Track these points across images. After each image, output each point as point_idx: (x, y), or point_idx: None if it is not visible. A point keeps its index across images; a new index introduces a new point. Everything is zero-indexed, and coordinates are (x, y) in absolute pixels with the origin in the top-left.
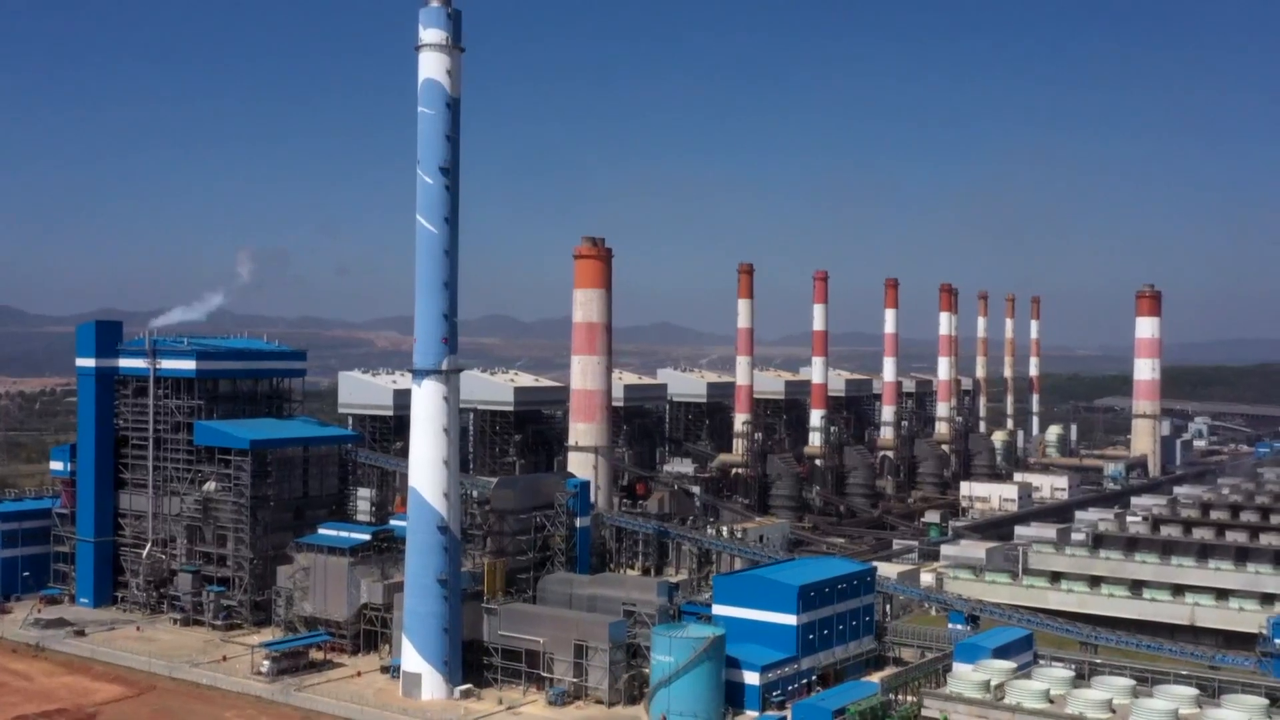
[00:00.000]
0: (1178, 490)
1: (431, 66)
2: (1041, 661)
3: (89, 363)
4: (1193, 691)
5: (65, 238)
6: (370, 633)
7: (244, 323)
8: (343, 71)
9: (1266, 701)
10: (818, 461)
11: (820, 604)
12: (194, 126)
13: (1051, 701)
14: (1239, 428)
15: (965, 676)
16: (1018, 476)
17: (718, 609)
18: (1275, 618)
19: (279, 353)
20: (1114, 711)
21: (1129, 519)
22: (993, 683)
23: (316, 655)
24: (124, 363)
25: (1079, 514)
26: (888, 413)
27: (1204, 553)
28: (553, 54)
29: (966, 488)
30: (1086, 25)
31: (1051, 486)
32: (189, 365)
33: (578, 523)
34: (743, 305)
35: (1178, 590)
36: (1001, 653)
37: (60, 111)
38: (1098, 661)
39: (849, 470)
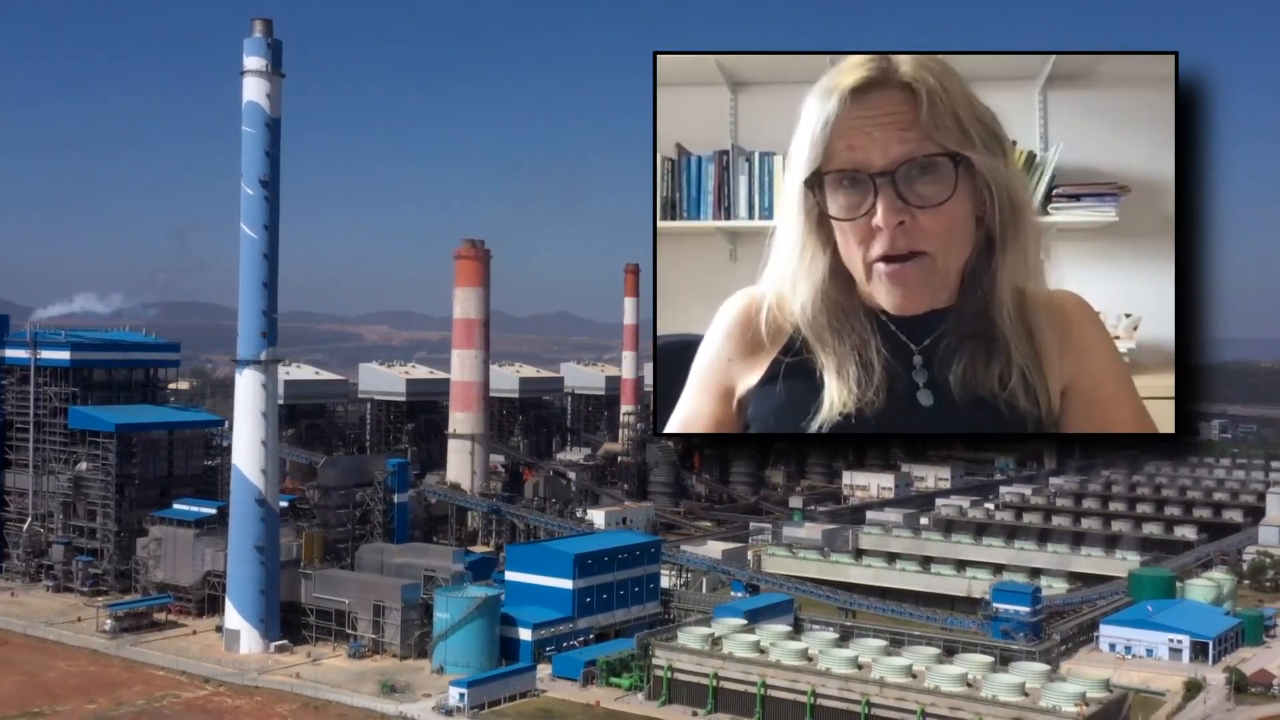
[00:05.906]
0: (1053, 481)
1: (253, 90)
2: (805, 624)
3: None
4: (881, 643)
5: (63, 232)
6: (214, 597)
7: (232, 314)
8: (335, 69)
9: (939, 650)
10: (705, 451)
11: (599, 571)
12: (189, 122)
13: (762, 651)
14: None
15: (694, 632)
16: (905, 468)
17: (510, 575)
18: (995, 585)
19: (152, 344)
20: (810, 659)
21: (985, 505)
22: (716, 635)
23: (160, 617)
24: (9, 353)
25: (939, 501)
26: None
27: (1012, 534)
28: (556, 51)
29: (848, 477)
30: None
31: (936, 477)
32: (64, 355)
33: (396, 498)
34: (629, 303)
35: (960, 566)
36: (756, 615)
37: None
38: (848, 624)
39: (734, 459)
